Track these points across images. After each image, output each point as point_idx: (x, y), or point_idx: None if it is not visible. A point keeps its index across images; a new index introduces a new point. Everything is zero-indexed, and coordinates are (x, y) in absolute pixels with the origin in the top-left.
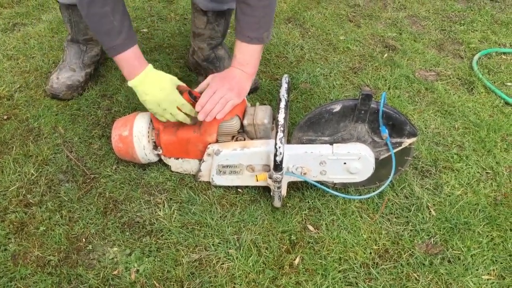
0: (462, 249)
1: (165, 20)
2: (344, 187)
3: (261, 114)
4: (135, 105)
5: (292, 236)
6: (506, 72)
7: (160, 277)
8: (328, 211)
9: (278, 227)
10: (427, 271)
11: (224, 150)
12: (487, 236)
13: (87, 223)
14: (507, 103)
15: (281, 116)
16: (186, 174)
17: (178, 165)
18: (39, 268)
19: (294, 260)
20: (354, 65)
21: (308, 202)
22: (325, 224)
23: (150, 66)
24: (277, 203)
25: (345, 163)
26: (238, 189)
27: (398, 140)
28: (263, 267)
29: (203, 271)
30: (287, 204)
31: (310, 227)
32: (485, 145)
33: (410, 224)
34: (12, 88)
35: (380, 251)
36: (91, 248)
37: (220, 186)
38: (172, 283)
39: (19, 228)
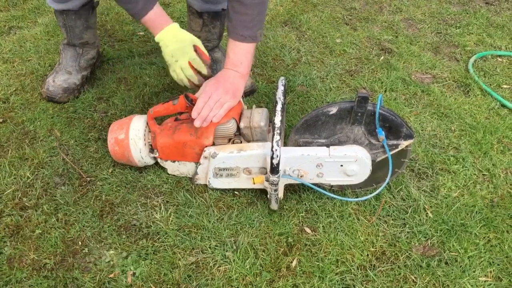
0: (459, 251)
1: None
2: (341, 189)
3: (257, 116)
4: (131, 108)
5: (289, 238)
6: (502, 74)
7: (157, 280)
8: (325, 213)
9: (275, 229)
10: (424, 273)
11: (220, 153)
12: (484, 238)
13: (83, 226)
14: (503, 106)
15: (277, 119)
16: (182, 177)
17: (174, 168)
18: (35, 271)
19: (291, 262)
20: (351, 68)
21: (305, 205)
22: (322, 226)
23: (174, 24)
24: (274, 205)
25: (342, 165)
26: (235, 192)
27: (395, 142)
28: (260, 269)
29: (200, 274)
30: (284, 207)
31: (307, 230)
32: (481, 147)
33: (407, 226)
34: (8, 91)
35: (377, 253)
36: (87, 251)
37: (216, 189)
38: (169, 286)
39: (14, 231)
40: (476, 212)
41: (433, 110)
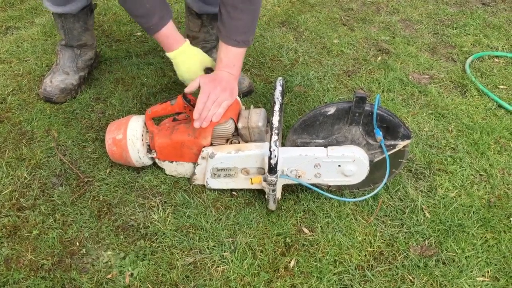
0: (457, 251)
1: None
2: (338, 190)
3: (255, 117)
4: (129, 108)
5: (287, 238)
6: (499, 75)
7: (155, 280)
8: (323, 213)
9: (273, 230)
10: (422, 273)
11: (218, 153)
12: (481, 238)
13: (81, 227)
14: (500, 106)
15: (275, 119)
16: (180, 177)
17: (172, 168)
18: (32, 272)
19: (289, 262)
20: (348, 68)
21: (303, 205)
22: (320, 226)
23: (186, 43)
24: (272, 206)
25: (339, 165)
26: (233, 192)
27: (392, 142)
28: (258, 270)
29: (198, 274)
30: (282, 207)
31: (305, 230)
32: (478, 148)
33: (404, 226)
34: (5, 92)
35: (375, 253)
36: (85, 252)
37: (214, 189)
38: (166, 286)
39: (12, 232)
40: (473, 212)
41: (430, 110)
